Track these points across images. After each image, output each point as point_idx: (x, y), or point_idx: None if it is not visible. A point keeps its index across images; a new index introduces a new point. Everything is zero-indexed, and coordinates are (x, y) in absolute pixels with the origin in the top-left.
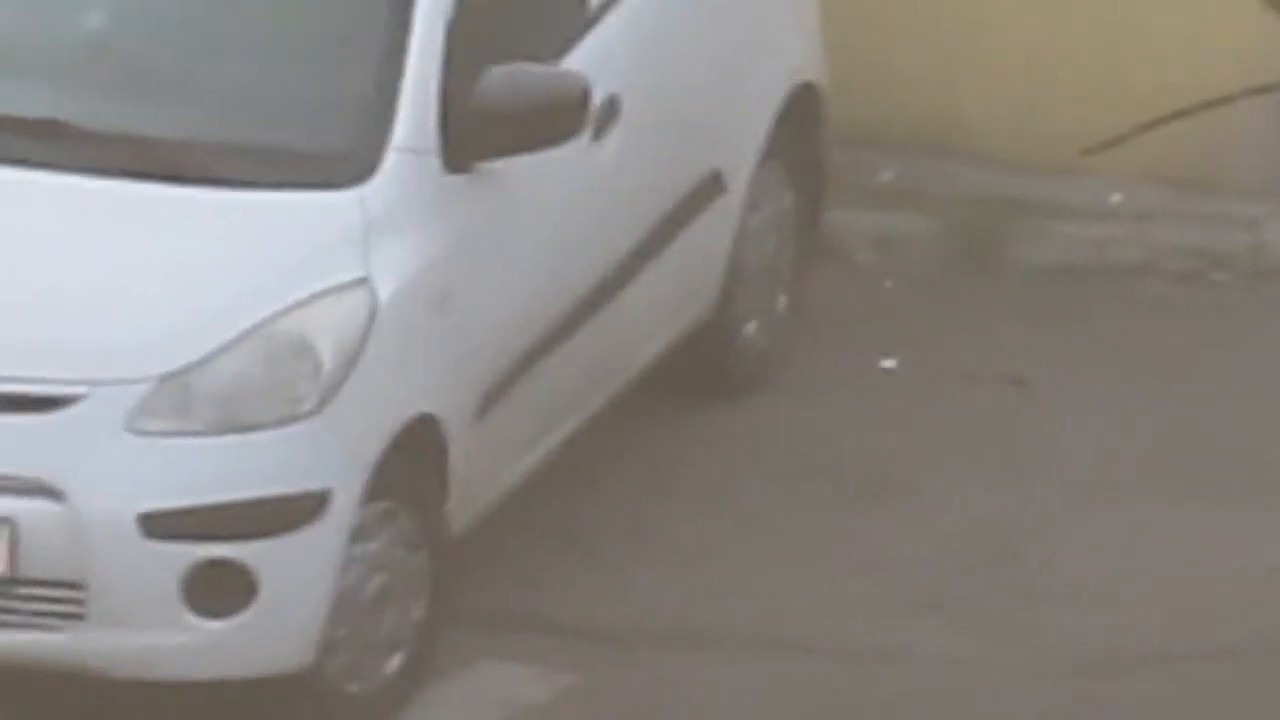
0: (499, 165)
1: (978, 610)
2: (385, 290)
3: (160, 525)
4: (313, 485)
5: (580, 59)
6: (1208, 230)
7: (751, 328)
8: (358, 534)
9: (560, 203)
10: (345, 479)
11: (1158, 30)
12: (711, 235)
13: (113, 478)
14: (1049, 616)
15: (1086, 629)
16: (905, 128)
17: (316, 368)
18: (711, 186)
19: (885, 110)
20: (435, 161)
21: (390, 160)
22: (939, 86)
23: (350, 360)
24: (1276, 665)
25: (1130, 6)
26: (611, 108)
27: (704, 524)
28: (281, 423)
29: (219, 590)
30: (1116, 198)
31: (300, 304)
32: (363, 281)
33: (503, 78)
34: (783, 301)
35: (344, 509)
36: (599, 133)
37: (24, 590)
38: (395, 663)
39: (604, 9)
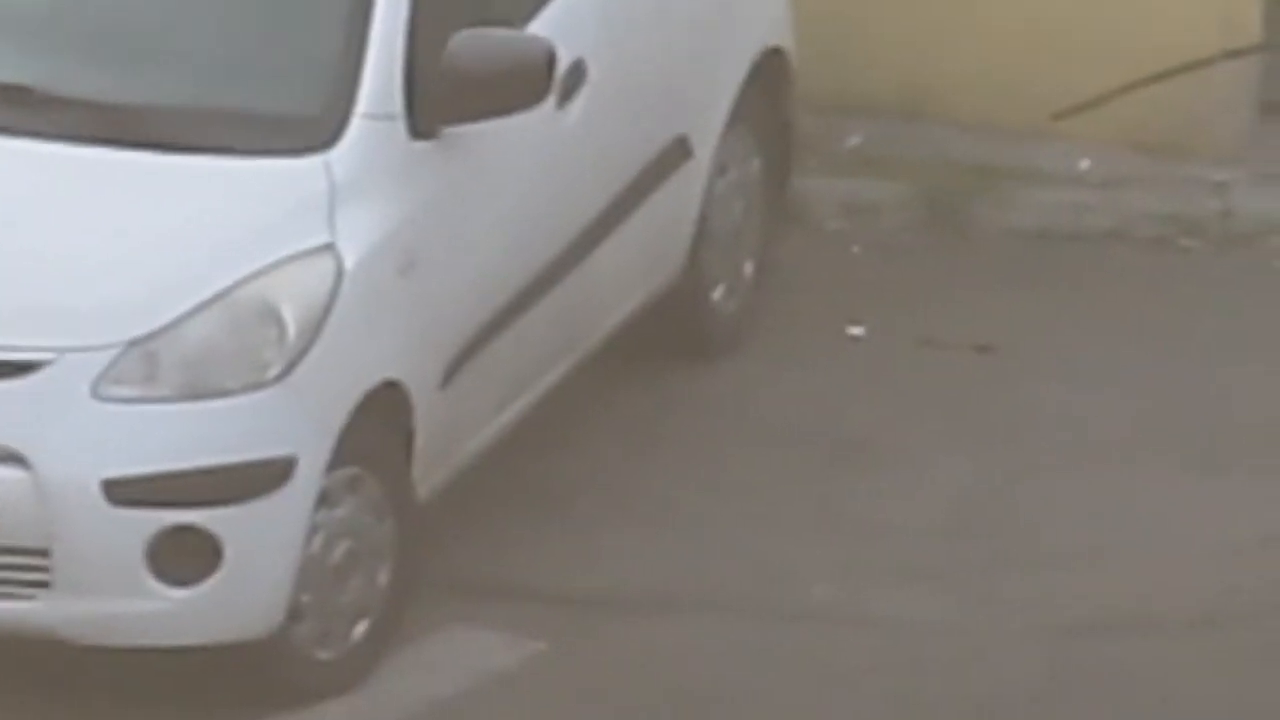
0: (465, 131)
1: (953, 576)
2: (351, 256)
3: (125, 492)
4: (278, 451)
5: (546, 24)
6: (1177, 196)
7: (719, 293)
8: (323, 500)
9: (526, 168)
10: (311, 445)
11: None
12: (678, 201)
13: (78, 444)
14: (1024, 582)
15: (1062, 595)
16: (874, 93)
17: (282, 333)
18: (678, 152)
19: (853, 75)
20: (401, 127)
21: (355, 126)
22: (908, 51)
23: (316, 326)
24: (1254, 634)
25: None
26: (577, 73)
27: (676, 489)
28: (247, 389)
29: (184, 557)
30: (1085, 163)
31: (266, 270)
32: (328, 247)
33: (468, 43)
34: (750, 267)
35: (310, 475)
36: (565, 98)
37: None
38: (362, 629)
39: None
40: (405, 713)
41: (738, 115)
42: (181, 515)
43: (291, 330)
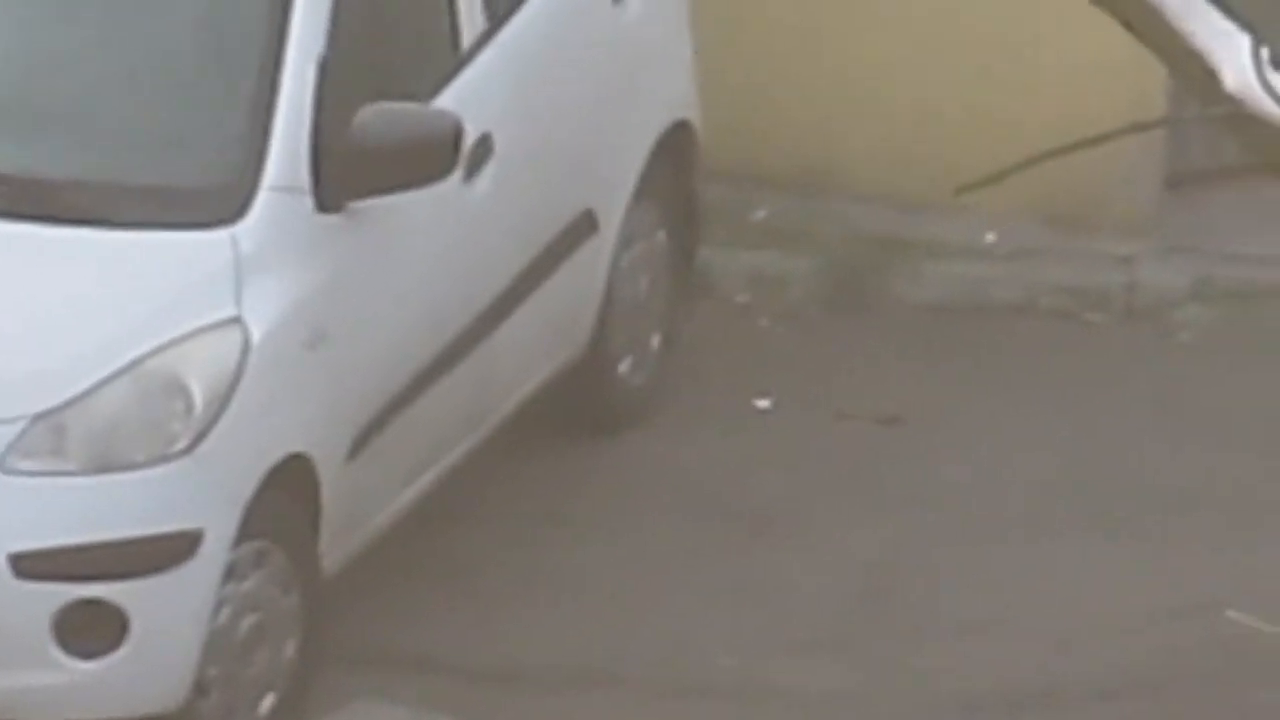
0: (372, 204)
1: (863, 647)
2: (258, 329)
3: (31, 565)
4: (185, 525)
5: (453, 98)
6: (1082, 270)
7: (626, 366)
8: (230, 573)
9: (433, 242)
10: (218, 518)
11: (1035, 65)
12: (585, 274)
13: None
14: (934, 654)
15: (972, 666)
16: (780, 166)
17: (189, 407)
18: (584, 225)
19: (760, 148)
20: (308, 200)
21: (262, 199)
22: (814, 124)
23: (222, 399)
24: (1163, 705)
25: (1007, 41)
26: (484, 147)
27: (583, 562)
28: (154, 462)
29: (91, 630)
30: (991, 236)
31: (173, 343)
32: (235, 320)
33: (375, 117)
34: (657, 340)
35: (216, 548)
36: (471, 172)
37: None
38: (269, 703)
39: (477, 47)
40: None
41: (644, 189)
42: (88, 589)
43: (199, 403)
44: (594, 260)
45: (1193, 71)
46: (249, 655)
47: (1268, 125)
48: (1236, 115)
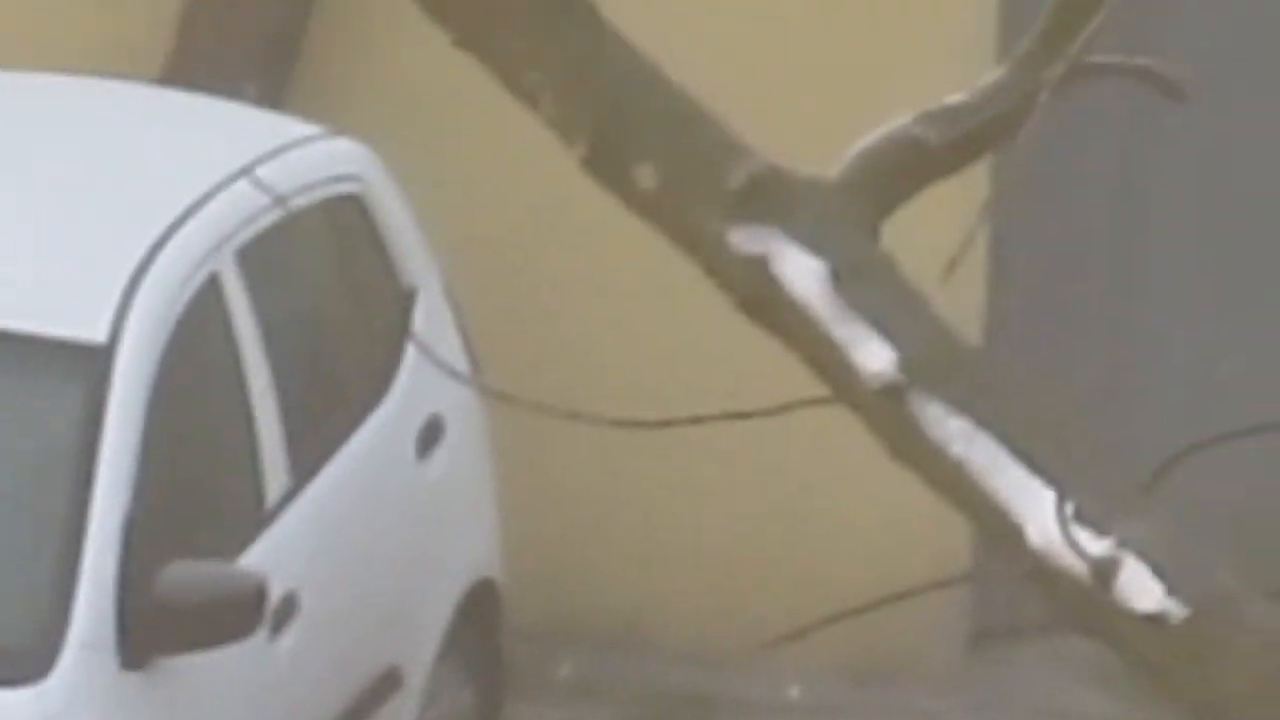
0: (177, 661)
1: None
2: None
3: None
4: None
5: (258, 555)
6: None
7: None
8: None
9: (238, 699)
10: None
11: (839, 519)
12: None
13: None
14: None
15: None
16: (585, 620)
17: None
18: (389, 682)
19: (564, 603)
20: (112, 658)
21: (66, 657)
22: (618, 579)
23: None
24: None
25: (812, 494)
26: (288, 605)
27: None
28: None
29: None
30: (795, 691)
31: None
32: None
33: (179, 575)
34: None
35: None
36: (276, 629)
37: None
38: None
39: (282, 505)
40: None
41: (449, 645)
42: None
43: None
44: (398, 717)
45: (997, 526)
46: None
47: (1072, 581)
48: (1041, 571)
